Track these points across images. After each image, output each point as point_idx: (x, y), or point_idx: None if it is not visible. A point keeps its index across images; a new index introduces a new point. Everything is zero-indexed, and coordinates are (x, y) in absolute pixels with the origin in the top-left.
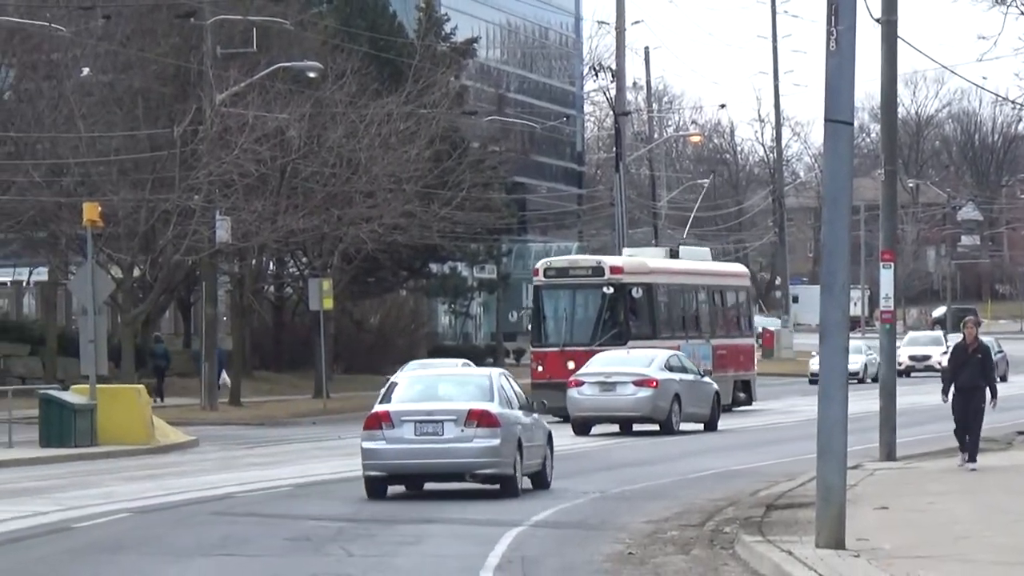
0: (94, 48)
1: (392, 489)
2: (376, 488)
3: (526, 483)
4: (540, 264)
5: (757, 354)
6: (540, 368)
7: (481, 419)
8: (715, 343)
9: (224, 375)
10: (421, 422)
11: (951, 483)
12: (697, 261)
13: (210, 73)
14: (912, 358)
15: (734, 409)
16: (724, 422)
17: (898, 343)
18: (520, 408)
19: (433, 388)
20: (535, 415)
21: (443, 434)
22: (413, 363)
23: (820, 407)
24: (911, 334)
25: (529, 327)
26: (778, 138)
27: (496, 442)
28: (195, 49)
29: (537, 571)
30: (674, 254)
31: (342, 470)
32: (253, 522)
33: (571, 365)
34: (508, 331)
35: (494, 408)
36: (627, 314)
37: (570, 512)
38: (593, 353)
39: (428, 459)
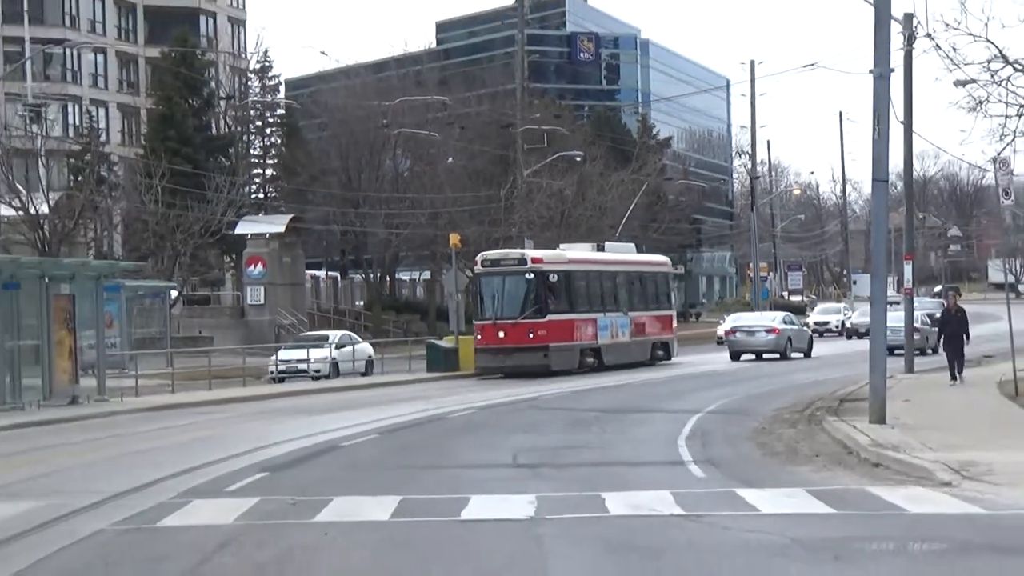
0: (454, 145)
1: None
2: (734, 356)
3: (797, 355)
4: (479, 257)
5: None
6: (480, 337)
7: (772, 331)
8: (633, 315)
9: None
10: (747, 332)
11: (948, 388)
12: (618, 253)
13: (520, 159)
14: (816, 323)
15: (656, 363)
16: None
17: (811, 312)
18: (792, 325)
19: (753, 319)
20: (803, 327)
21: (756, 335)
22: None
23: (871, 343)
24: (820, 305)
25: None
26: (843, 190)
27: (776, 338)
28: (511, 145)
29: (711, 438)
30: (601, 248)
31: (594, 384)
32: (549, 413)
33: (501, 335)
34: (691, 303)
35: (778, 325)
36: (545, 294)
37: (729, 406)
38: (519, 325)
39: (751, 347)
